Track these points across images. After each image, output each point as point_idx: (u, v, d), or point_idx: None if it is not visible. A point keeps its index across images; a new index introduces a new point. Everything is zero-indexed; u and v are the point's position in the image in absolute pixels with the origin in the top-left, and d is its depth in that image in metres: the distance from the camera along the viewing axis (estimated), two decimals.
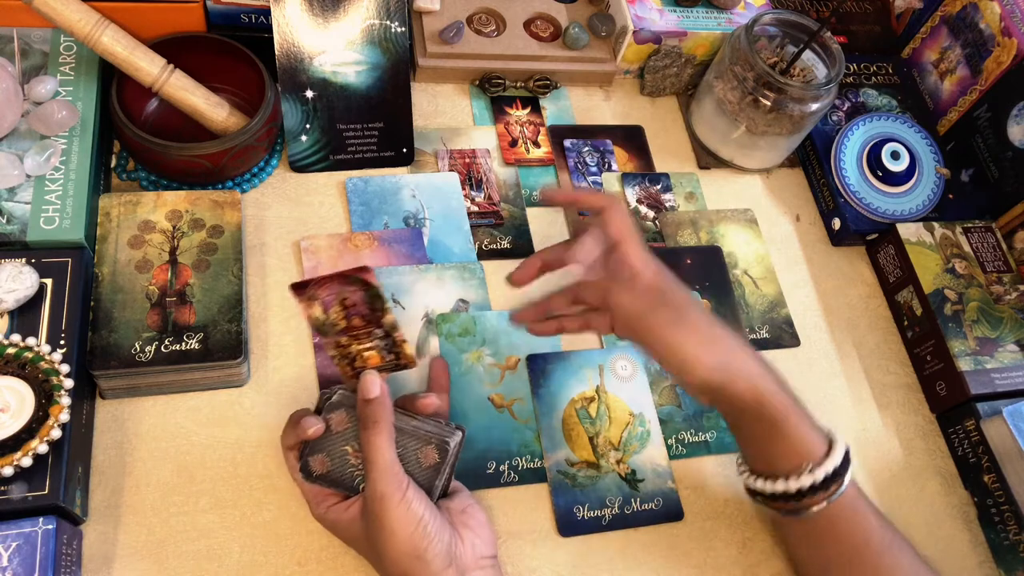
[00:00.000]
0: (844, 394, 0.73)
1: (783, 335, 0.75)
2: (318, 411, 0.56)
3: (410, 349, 0.55)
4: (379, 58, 0.72)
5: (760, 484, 0.56)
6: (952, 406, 0.72)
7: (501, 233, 0.74)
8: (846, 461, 0.54)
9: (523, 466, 0.63)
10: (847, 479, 0.54)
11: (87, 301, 0.57)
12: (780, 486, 0.54)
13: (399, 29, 0.72)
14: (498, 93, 0.81)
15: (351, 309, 0.53)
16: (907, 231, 0.78)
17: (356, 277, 0.53)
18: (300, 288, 0.53)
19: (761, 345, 0.73)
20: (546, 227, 0.75)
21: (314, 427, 0.53)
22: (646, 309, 0.56)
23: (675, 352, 0.55)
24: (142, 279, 0.59)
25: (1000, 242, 0.79)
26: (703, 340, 0.55)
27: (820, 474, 0.53)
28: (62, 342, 0.54)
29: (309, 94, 0.71)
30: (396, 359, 0.55)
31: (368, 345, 0.54)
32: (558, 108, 0.83)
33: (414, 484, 0.52)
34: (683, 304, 0.56)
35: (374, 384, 0.53)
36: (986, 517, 0.68)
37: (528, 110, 0.82)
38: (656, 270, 0.58)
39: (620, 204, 0.59)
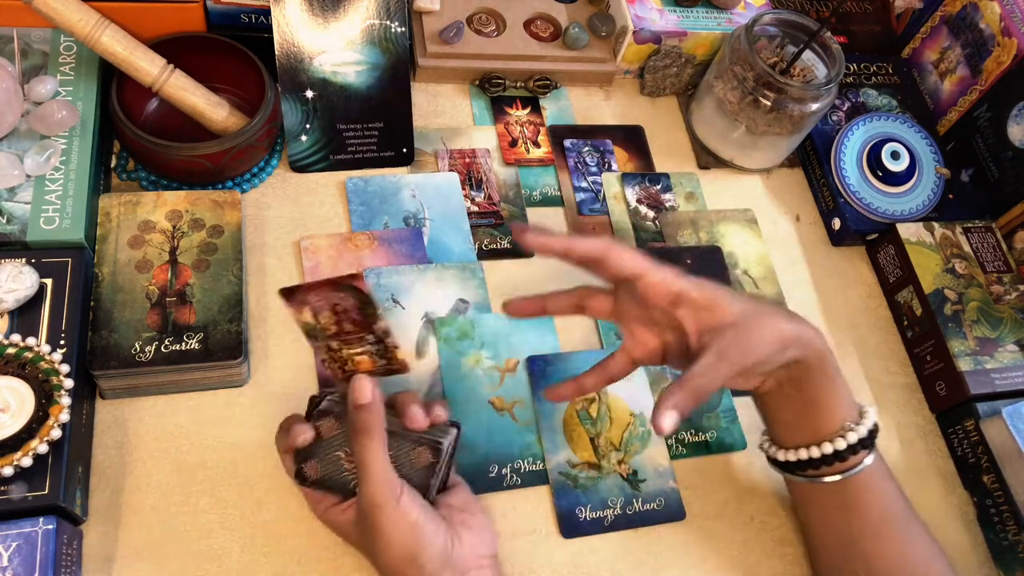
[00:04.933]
0: None
1: None
2: (308, 417, 0.55)
3: (403, 355, 0.54)
4: (379, 58, 0.72)
5: (802, 454, 0.58)
6: (952, 406, 0.72)
7: (501, 233, 0.74)
8: (874, 429, 0.57)
9: (525, 469, 0.63)
10: (876, 445, 0.57)
11: (87, 301, 0.57)
12: (825, 449, 0.56)
13: (399, 29, 0.72)
14: (498, 93, 0.81)
15: (342, 315, 0.52)
16: (907, 231, 0.78)
17: (347, 284, 0.51)
18: (290, 293, 0.51)
19: None
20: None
21: (303, 435, 0.53)
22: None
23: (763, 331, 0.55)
24: (142, 279, 0.59)
25: (1000, 242, 0.79)
26: (777, 317, 0.56)
27: (863, 430, 0.56)
28: (62, 342, 0.54)
29: (309, 94, 0.71)
30: (388, 363, 0.54)
31: (360, 350, 0.53)
32: (558, 108, 0.83)
33: (408, 487, 0.51)
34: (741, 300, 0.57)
35: (365, 389, 0.52)
36: (985, 517, 0.68)
37: (528, 110, 0.82)
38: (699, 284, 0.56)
39: (615, 245, 0.55)
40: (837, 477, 0.57)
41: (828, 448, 0.56)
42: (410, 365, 0.55)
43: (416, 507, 0.51)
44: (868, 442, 0.57)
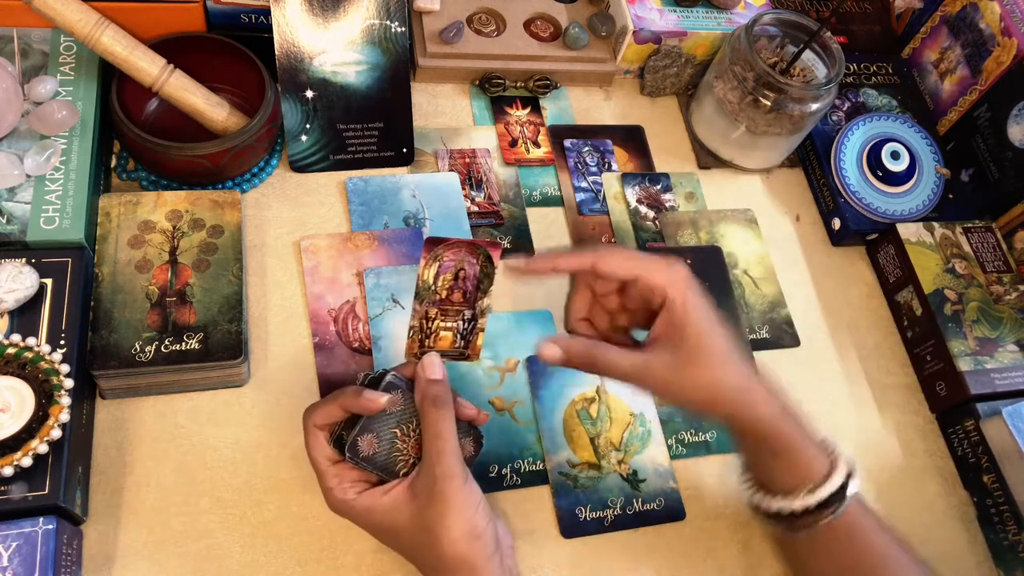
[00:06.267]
0: (844, 394, 0.73)
1: (783, 335, 0.75)
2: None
3: (481, 341, 0.55)
4: (379, 58, 0.72)
5: (760, 500, 0.56)
6: (952, 406, 0.72)
7: (501, 233, 0.74)
8: (848, 480, 0.53)
9: (525, 468, 0.63)
10: (847, 499, 0.53)
11: (87, 301, 0.57)
12: (778, 504, 0.54)
13: (399, 29, 0.72)
14: (498, 93, 0.81)
15: (460, 282, 0.54)
16: (907, 231, 0.78)
17: (484, 250, 0.53)
18: (432, 243, 0.53)
19: (761, 345, 0.74)
20: (546, 227, 0.75)
21: (379, 401, 0.51)
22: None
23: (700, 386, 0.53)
24: (142, 279, 0.59)
25: (1000, 242, 0.79)
26: (725, 368, 0.53)
27: (821, 495, 0.53)
28: (62, 342, 0.54)
29: (309, 94, 0.71)
30: (464, 347, 0.55)
31: (449, 325, 0.54)
32: (558, 108, 0.83)
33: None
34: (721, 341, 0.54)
35: (437, 365, 0.53)
36: (985, 517, 0.68)
37: (528, 110, 0.82)
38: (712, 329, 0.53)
39: (604, 253, 0.53)
40: (801, 532, 0.54)
41: (796, 505, 0.53)
42: (479, 356, 0.56)
43: (478, 487, 0.51)
44: (839, 496, 0.53)
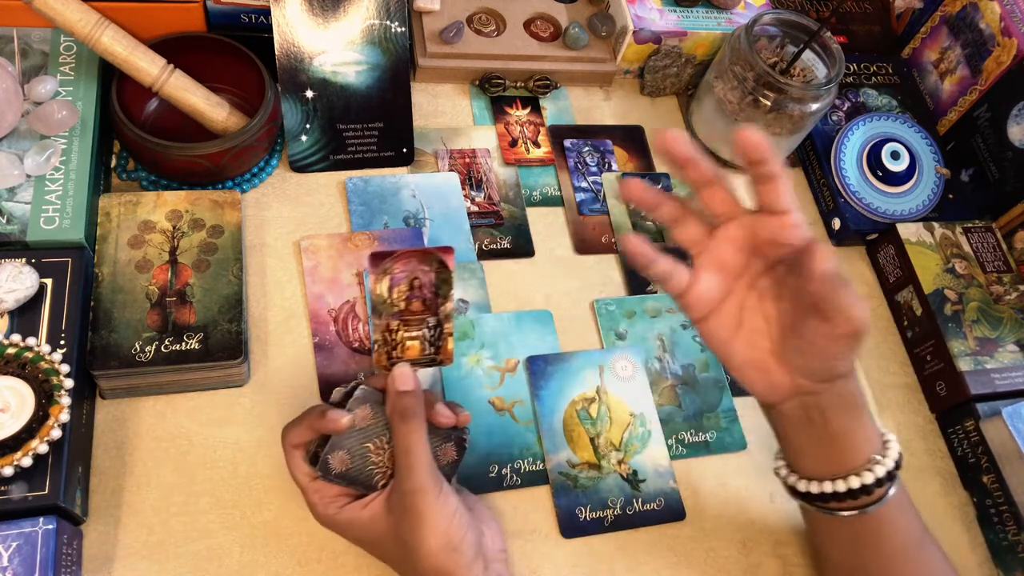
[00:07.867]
0: None
1: None
2: (338, 406, 0.54)
3: (452, 345, 0.54)
4: (379, 58, 0.72)
5: (826, 487, 0.53)
6: (952, 406, 0.72)
7: (501, 233, 0.74)
8: (899, 460, 0.53)
9: (525, 468, 0.63)
10: (898, 480, 0.53)
11: (87, 301, 0.57)
12: (852, 483, 0.52)
13: (399, 29, 0.72)
14: (498, 93, 0.81)
15: (416, 291, 0.53)
16: (907, 231, 0.78)
17: (436, 256, 0.53)
18: (378, 258, 0.52)
19: None
20: (547, 227, 0.75)
21: (342, 420, 0.51)
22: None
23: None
24: (142, 279, 0.59)
25: (1000, 242, 0.79)
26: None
27: (889, 463, 0.52)
28: (62, 342, 0.54)
29: (309, 94, 0.71)
30: (435, 353, 0.54)
31: (414, 334, 0.54)
32: (558, 108, 0.83)
33: (443, 477, 0.52)
34: None
35: (408, 376, 0.52)
36: (985, 517, 0.68)
37: (528, 110, 0.82)
38: None
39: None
40: (854, 512, 0.53)
41: (855, 483, 0.52)
42: (452, 359, 0.55)
43: (453, 496, 0.51)
44: (892, 474, 0.52)
